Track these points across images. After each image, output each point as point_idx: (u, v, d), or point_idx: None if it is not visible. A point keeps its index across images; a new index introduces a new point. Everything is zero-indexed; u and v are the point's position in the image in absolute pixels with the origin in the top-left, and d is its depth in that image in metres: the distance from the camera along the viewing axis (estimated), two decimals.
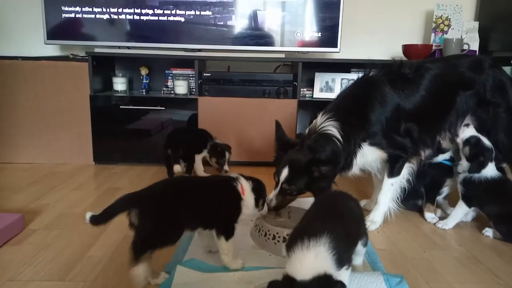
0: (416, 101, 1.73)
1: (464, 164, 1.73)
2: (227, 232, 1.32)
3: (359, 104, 1.72)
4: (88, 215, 1.15)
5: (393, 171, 1.76)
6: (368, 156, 1.72)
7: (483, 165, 1.68)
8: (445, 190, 1.92)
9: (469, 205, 1.72)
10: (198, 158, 2.43)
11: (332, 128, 1.61)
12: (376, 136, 1.69)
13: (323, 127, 1.63)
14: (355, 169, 1.73)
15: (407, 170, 1.78)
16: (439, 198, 1.95)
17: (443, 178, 1.89)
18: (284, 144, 1.65)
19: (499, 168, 1.77)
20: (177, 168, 2.30)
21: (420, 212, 1.98)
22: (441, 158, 1.89)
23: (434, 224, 1.82)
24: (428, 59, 2.35)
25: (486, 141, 1.72)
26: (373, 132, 1.68)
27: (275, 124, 1.70)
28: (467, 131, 1.75)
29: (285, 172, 1.56)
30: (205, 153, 2.44)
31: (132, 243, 1.18)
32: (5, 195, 2.09)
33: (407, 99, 1.72)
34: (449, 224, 1.77)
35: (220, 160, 2.39)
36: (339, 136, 1.60)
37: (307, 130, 1.70)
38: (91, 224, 1.15)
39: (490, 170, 1.69)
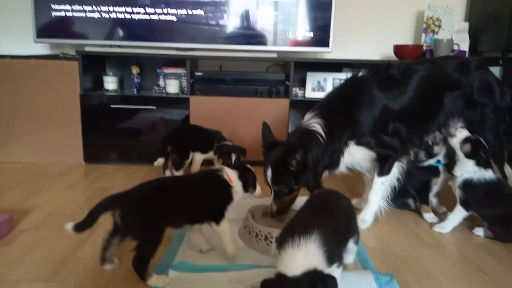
0: (403, 102, 1.74)
1: (464, 162, 1.72)
2: (216, 217, 1.34)
3: (346, 103, 1.73)
4: (69, 226, 1.13)
5: (383, 170, 1.77)
6: (356, 155, 1.73)
7: (487, 162, 1.68)
8: (434, 189, 1.93)
9: (468, 209, 1.72)
10: (200, 158, 2.39)
11: (315, 125, 1.63)
12: (363, 135, 1.70)
13: (307, 124, 1.65)
14: (342, 168, 1.74)
15: (397, 169, 1.80)
16: (430, 196, 1.96)
17: (429, 178, 1.90)
18: (269, 145, 1.65)
19: None
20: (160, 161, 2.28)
21: (410, 210, 1.99)
22: (431, 161, 1.90)
23: (434, 223, 1.81)
24: (416, 60, 2.37)
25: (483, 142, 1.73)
26: (360, 131, 1.69)
27: (262, 125, 1.70)
28: (464, 132, 1.76)
29: (269, 173, 1.57)
30: (211, 154, 2.42)
31: (133, 264, 1.19)
32: None
33: (395, 100, 1.73)
34: (446, 228, 1.75)
35: (226, 161, 2.37)
36: (322, 133, 1.62)
37: (294, 129, 1.71)
38: (76, 232, 1.14)
39: (488, 172, 1.70)
